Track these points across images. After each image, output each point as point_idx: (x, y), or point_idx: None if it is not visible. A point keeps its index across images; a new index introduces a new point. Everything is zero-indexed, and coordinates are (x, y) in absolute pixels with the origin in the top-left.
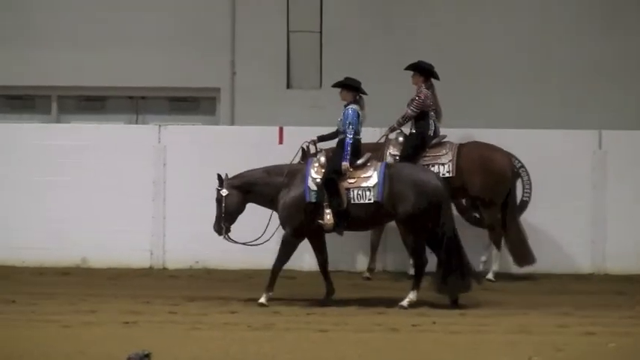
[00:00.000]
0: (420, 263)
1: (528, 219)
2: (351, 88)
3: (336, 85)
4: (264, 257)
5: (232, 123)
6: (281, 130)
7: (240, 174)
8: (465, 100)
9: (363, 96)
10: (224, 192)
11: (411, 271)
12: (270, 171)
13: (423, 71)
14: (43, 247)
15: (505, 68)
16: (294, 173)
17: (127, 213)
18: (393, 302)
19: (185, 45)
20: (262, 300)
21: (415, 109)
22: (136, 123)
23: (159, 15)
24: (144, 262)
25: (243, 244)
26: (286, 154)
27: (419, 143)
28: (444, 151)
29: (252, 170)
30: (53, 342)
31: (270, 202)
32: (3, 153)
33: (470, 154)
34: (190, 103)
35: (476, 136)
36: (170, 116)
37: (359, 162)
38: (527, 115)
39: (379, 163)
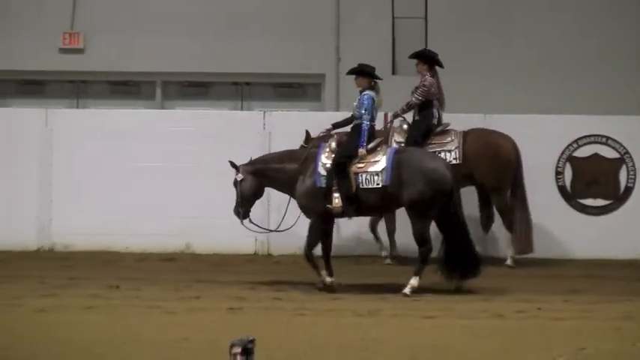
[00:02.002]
0: (424, 250)
1: (634, 205)
2: (366, 74)
3: (350, 72)
4: (370, 243)
5: (337, 109)
6: (386, 116)
7: (256, 159)
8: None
9: (378, 81)
10: (239, 177)
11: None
12: (285, 156)
13: (428, 59)
14: (147, 232)
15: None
16: (308, 160)
17: (232, 199)
18: (497, 290)
19: (290, 31)
20: (328, 280)
21: (420, 97)
22: (241, 109)
23: (265, 2)
24: (249, 249)
25: (265, 230)
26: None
27: (424, 131)
28: (450, 139)
29: (267, 155)
30: (157, 328)
31: (284, 187)
32: (108, 139)
33: (476, 140)
34: (295, 89)
35: (588, 123)
36: (275, 102)
37: (369, 146)
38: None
39: (389, 149)
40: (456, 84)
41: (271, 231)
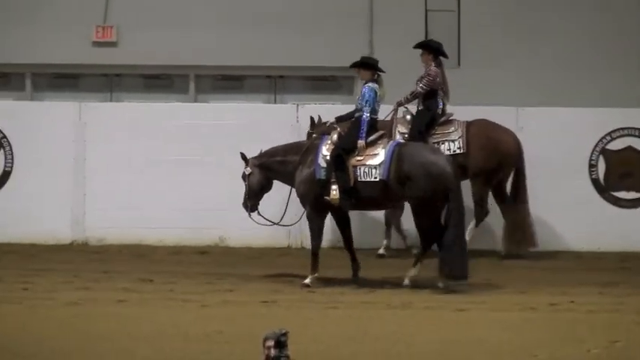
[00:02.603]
0: (426, 244)
1: None
2: (368, 66)
3: (353, 65)
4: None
5: None
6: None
7: (263, 152)
8: (617, 80)
9: (381, 74)
10: (247, 170)
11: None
12: (289, 149)
13: (432, 50)
14: (181, 226)
15: None
16: (308, 151)
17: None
18: (530, 283)
19: (323, 25)
20: (307, 281)
21: (425, 87)
22: (275, 102)
23: None
24: (282, 242)
25: (273, 223)
26: None
27: (428, 121)
28: (453, 128)
29: (273, 148)
30: (191, 321)
31: (289, 179)
32: (141, 133)
33: (478, 132)
34: (328, 83)
35: (621, 116)
36: (308, 95)
37: (369, 139)
38: None
39: (389, 142)
40: (488, 77)
41: (277, 224)
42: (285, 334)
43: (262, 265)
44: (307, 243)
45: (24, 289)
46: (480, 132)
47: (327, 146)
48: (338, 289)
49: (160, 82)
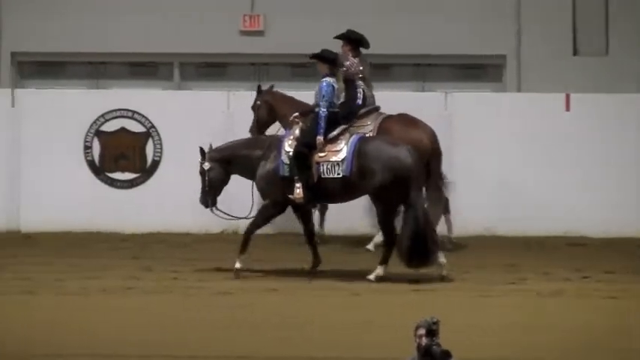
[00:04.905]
0: (389, 239)
1: None
2: (326, 60)
3: (313, 57)
4: (552, 225)
5: (519, 90)
6: (568, 97)
7: (221, 146)
8: None
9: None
10: (206, 165)
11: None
12: (250, 143)
13: (350, 41)
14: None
15: None
16: (271, 146)
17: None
18: None
19: (471, 12)
20: (237, 265)
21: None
22: (422, 90)
23: None
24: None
25: (232, 217)
26: (574, 122)
27: (347, 112)
28: (368, 122)
29: (232, 142)
30: (341, 309)
31: (251, 174)
32: None
33: (389, 127)
34: (476, 70)
35: None
36: (457, 83)
37: (331, 135)
38: None
39: (351, 137)
40: (637, 63)
41: (240, 218)
42: (436, 323)
43: None
44: (457, 232)
45: (174, 279)
46: (390, 127)
47: (290, 142)
48: (488, 277)
49: (307, 70)
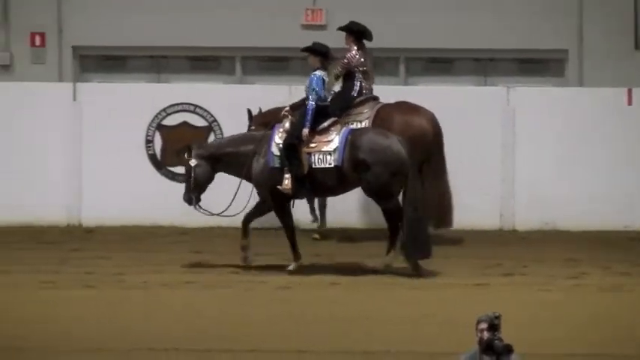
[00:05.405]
0: (394, 226)
1: None
2: (317, 52)
3: (304, 50)
4: (612, 219)
5: (581, 84)
6: (629, 91)
7: (208, 144)
8: None
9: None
10: (193, 162)
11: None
12: (238, 140)
13: (353, 32)
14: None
15: None
16: (263, 140)
17: (476, 176)
18: None
19: (533, 7)
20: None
21: (341, 69)
22: (485, 85)
23: None
24: (493, 224)
25: (214, 214)
26: (635, 116)
27: (341, 103)
28: (365, 110)
29: (218, 140)
30: (403, 304)
31: (241, 171)
32: None
33: (388, 114)
34: (538, 65)
35: None
36: (518, 78)
37: (322, 126)
38: None
39: (343, 128)
40: None
41: (218, 215)
42: (498, 317)
43: (473, 248)
44: (518, 226)
45: (234, 273)
46: (389, 114)
47: (280, 134)
48: (551, 271)
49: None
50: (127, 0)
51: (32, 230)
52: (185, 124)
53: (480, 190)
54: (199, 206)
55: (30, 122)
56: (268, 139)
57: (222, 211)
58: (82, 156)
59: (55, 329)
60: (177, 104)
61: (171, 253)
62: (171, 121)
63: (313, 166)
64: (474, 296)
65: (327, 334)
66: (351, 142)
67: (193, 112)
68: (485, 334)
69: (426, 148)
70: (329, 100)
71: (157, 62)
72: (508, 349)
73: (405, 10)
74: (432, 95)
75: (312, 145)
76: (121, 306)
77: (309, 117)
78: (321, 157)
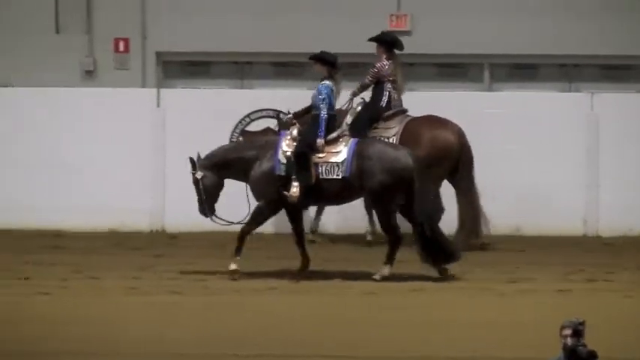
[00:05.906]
0: (393, 239)
1: None
2: (325, 62)
3: (311, 58)
4: None
5: None
6: None
7: (210, 154)
8: None
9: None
10: (199, 174)
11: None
12: (239, 146)
13: (384, 43)
14: None
15: None
16: (265, 146)
17: (560, 181)
18: None
19: (617, 12)
20: (232, 267)
21: (370, 78)
22: (569, 91)
23: None
24: (577, 230)
25: (233, 223)
26: None
27: (371, 114)
28: (393, 125)
29: (220, 148)
30: (484, 309)
31: (244, 176)
32: None
33: (415, 128)
34: (622, 71)
35: None
36: (602, 84)
37: (330, 137)
38: None
39: (351, 139)
40: None
41: (237, 223)
42: (582, 323)
43: (556, 254)
44: (602, 232)
45: (320, 279)
46: (415, 128)
47: (287, 142)
48: (636, 278)
49: (453, 71)
50: (210, 6)
51: (117, 235)
52: (269, 130)
53: (564, 196)
54: (216, 216)
55: (114, 128)
56: (274, 146)
57: (242, 220)
58: (166, 162)
59: (146, 334)
60: (261, 110)
61: (255, 260)
62: (255, 127)
63: (320, 176)
64: (559, 302)
65: (411, 340)
66: (359, 152)
67: (277, 118)
68: (569, 340)
69: (453, 162)
70: (359, 110)
71: (241, 68)
72: (592, 355)
73: (490, 15)
74: (516, 101)
75: (321, 155)
76: (207, 312)
77: (322, 127)
78: (328, 168)
